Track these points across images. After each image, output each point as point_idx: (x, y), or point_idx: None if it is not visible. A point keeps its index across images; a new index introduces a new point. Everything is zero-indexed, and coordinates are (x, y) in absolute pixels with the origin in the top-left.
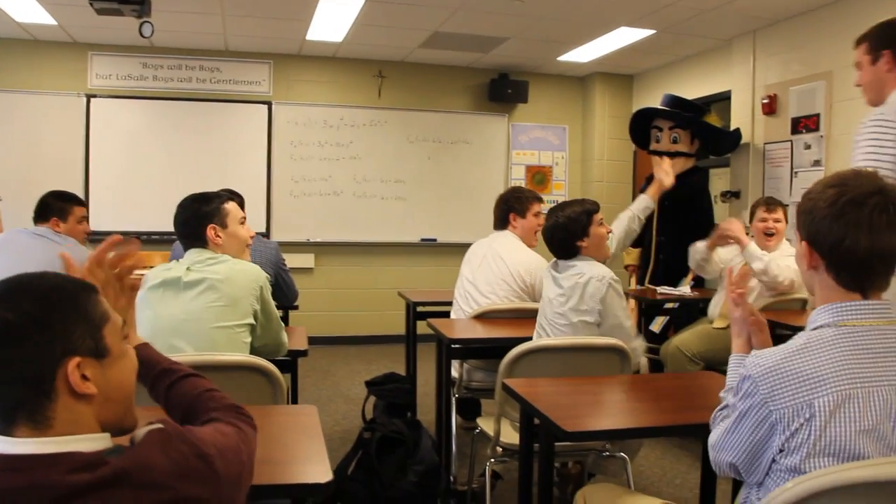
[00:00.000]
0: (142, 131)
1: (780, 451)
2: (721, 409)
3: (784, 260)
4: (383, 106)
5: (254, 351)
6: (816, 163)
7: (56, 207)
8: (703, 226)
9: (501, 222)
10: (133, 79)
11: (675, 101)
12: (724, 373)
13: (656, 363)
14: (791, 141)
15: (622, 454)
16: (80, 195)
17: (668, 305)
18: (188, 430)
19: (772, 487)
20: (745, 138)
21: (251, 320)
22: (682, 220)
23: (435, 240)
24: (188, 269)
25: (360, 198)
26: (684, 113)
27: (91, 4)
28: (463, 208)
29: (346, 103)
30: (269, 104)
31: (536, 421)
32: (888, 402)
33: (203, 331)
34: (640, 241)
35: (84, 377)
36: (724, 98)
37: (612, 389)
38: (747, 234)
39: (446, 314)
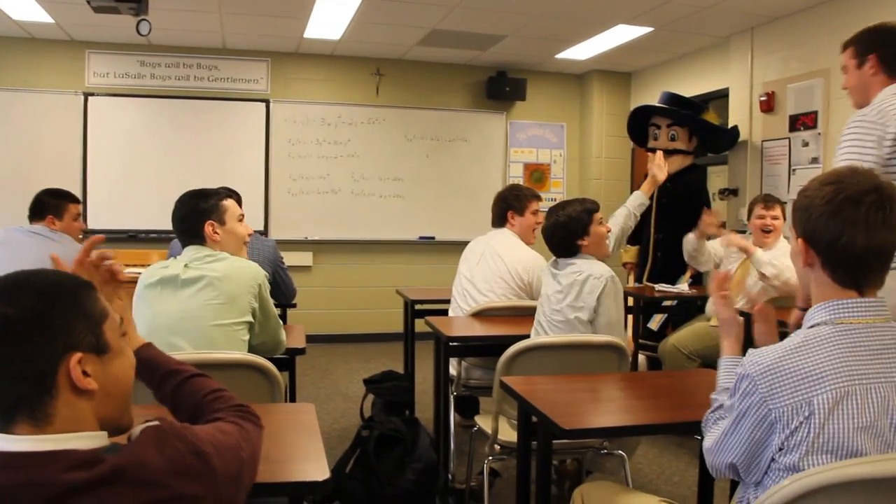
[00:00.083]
0: (139, 129)
1: (780, 449)
2: (713, 412)
3: (787, 259)
4: (381, 104)
5: (252, 349)
6: (814, 160)
7: (51, 205)
8: None
9: (500, 220)
10: (130, 77)
11: (673, 99)
12: None
13: (654, 361)
14: (789, 138)
15: (620, 452)
16: (78, 193)
17: (666, 303)
18: (185, 428)
19: (770, 486)
20: (742, 136)
21: (249, 318)
22: (680, 217)
23: (433, 238)
24: (186, 266)
25: (358, 196)
26: (682, 110)
27: (88, 2)
28: (461, 206)
29: (344, 101)
30: (266, 102)
31: (534, 419)
32: (885, 398)
33: (201, 328)
34: (639, 238)
35: (85, 373)
36: (721, 95)
37: (610, 387)
38: (745, 231)
39: (444, 312)
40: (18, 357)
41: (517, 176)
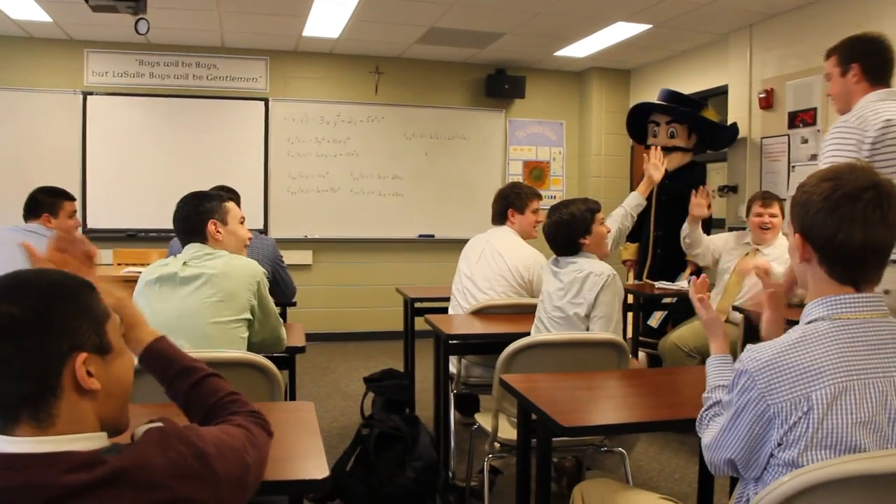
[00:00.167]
0: (138, 128)
1: (779, 444)
2: (707, 410)
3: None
4: (380, 102)
5: (252, 346)
6: (813, 157)
7: (46, 203)
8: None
9: (499, 218)
10: (129, 76)
11: (672, 96)
12: None
13: (654, 358)
14: (788, 135)
15: (620, 449)
16: (77, 193)
17: (666, 300)
18: (189, 429)
19: (769, 482)
20: (742, 133)
21: (248, 315)
22: (679, 214)
23: (432, 236)
24: (185, 263)
25: (357, 194)
26: (681, 108)
27: (86, 1)
28: (460, 204)
29: (343, 99)
30: (265, 101)
31: (534, 416)
32: (883, 393)
33: (199, 326)
34: (638, 236)
35: (89, 373)
36: (720, 93)
37: (610, 384)
38: (743, 228)
39: (444, 310)
40: (23, 356)
41: (516, 174)
